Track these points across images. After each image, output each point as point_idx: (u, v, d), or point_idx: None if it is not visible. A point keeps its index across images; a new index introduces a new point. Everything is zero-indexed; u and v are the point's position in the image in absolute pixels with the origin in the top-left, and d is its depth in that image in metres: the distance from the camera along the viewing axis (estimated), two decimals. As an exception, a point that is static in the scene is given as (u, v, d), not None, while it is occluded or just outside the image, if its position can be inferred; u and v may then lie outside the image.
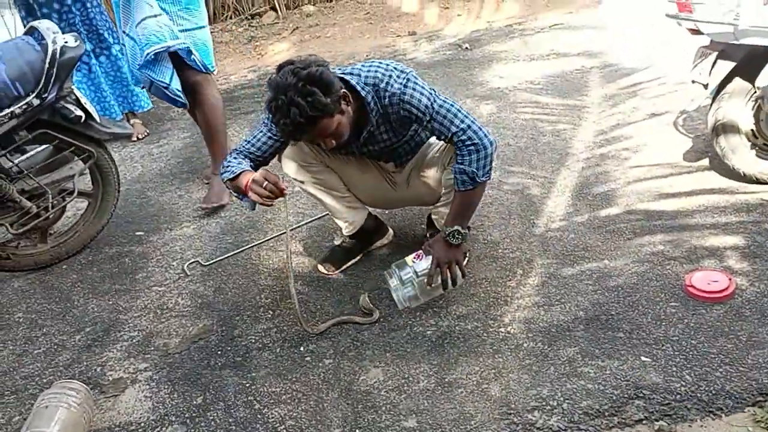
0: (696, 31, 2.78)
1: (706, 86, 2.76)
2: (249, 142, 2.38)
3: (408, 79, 2.22)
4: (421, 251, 2.34)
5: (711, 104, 2.82)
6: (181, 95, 3.30)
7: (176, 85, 3.27)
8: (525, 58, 5.04)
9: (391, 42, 6.25)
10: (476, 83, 4.66)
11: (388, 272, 2.35)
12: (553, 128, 3.70)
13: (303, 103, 2.00)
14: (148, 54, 3.10)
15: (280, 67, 2.08)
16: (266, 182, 2.10)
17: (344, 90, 2.13)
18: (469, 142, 2.18)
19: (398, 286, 2.30)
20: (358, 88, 2.21)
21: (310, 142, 2.32)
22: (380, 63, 2.28)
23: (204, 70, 3.35)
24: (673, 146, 3.24)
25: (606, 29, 5.41)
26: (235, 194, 2.36)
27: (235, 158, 2.34)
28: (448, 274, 2.26)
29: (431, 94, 2.22)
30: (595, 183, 3.05)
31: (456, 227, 2.25)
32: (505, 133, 3.70)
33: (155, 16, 3.11)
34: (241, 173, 2.25)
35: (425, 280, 2.26)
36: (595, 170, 3.17)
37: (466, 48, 5.56)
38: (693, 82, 2.84)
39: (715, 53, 2.73)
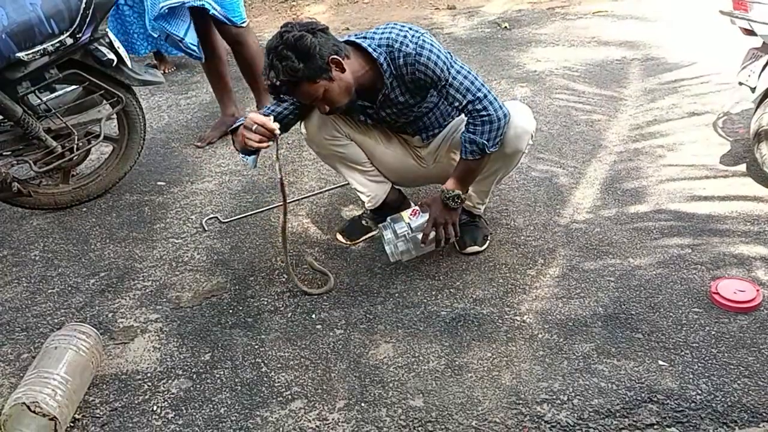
0: (749, 32, 2.69)
1: (753, 89, 2.67)
2: (269, 108, 2.39)
3: (424, 41, 2.16)
4: (417, 208, 2.38)
5: (756, 109, 2.73)
6: (197, 49, 3.36)
7: (191, 38, 3.30)
8: (565, 43, 4.92)
9: (428, 14, 6.13)
10: (512, 64, 4.56)
11: (383, 225, 2.39)
12: (588, 118, 3.61)
13: (279, 67, 2.04)
14: (162, 7, 3.14)
15: (280, 28, 2.11)
16: (255, 125, 2.09)
17: (335, 57, 2.09)
18: (484, 113, 2.14)
19: (392, 239, 2.35)
20: (370, 50, 2.17)
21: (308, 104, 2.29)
22: (395, 24, 2.23)
23: (229, 23, 3.37)
24: (711, 148, 3.15)
25: (651, 21, 5.26)
26: (240, 153, 2.38)
27: None
28: (443, 234, 2.32)
29: (447, 58, 2.17)
30: (626, 178, 2.98)
31: (457, 191, 2.27)
32: (538, 119, 3.57)
33: None
34: (238, 126, 2.25)
35: (419, 237, 2.32)
36: (627, 165, 3.09)
37: (505, 27, 5.44)
38: (740, 83, 2.75)
39: (767, 56, 2.63)
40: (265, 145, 2.12)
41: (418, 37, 2.17)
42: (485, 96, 2.15)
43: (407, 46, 2.15)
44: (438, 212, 2.31)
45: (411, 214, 2.37)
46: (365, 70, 2.20)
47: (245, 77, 3.76)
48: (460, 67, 2.18)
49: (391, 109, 2.35)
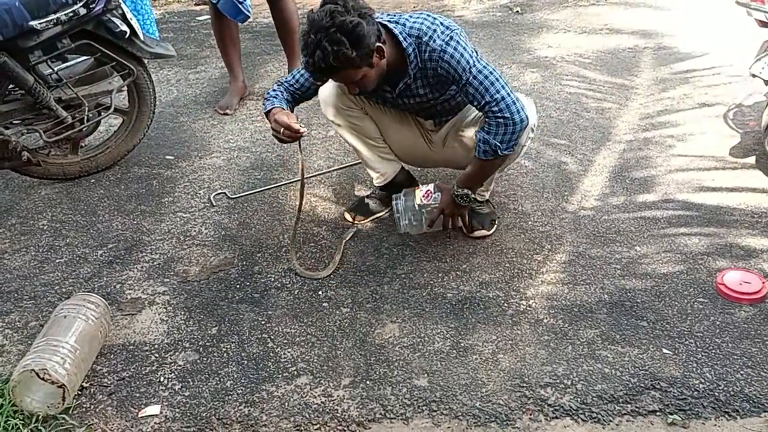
0: (765, 24, 2.67)
1: (767, 82, 2.66)
2: (292, 75, 2.41)
3: (451, 37, 2.14)
4: (431, 188, 2.41)
5: (769, 101, 2.72)
6: (250, 8, 3.52)
7: None
8: (577, 29, 4.89)
9: (440, -4, 6.08)
10: (523, 50, 4.53)
11: (395, 196, 2.45)
12: (598, 105, 3.60)
13: (329, 49, 1.98)
14: None
15: (325, 2, 2.03)
16: (282, 129, 2.19)
17: (380, 44, 2.08)
18: (499, 115, 2.11)
19: (402, 213, 2.40)
20: (401, 38, 2.16)
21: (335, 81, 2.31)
22: (428, 16, 2.21)
23: None
24: (721, 140, 3.14)
25: (665, 9, 5.21)
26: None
27: (274, 91, 2.39)
28: (449, 224, 2.39)
29: (472, 56, 2.15)
30: (635, 167, 2.98)
31: (466, 191, 2.29)
32: (548, 105, 3.61)
33: None
34: (270, 110, 2.30)
35: (426, 217, 2.39)
36: (637, 154, 3.09)
37: (518, 12, 5.41)
38: (753, 75, 2.74)
39: (783, 49, 2.62)
40: (290, 142, 2.26)
41: (448, 34, 2.16)
42: (503, 98, 2.11)
43: (435, 41, 2.14)
44: (446, 204, 2.35)
45: (424, 195, 2.40)
46: (393, 56, 2.18)
47: (280, 34, 3.88)
48: (483, 66, 2.15)
49: (410, 99, 2.35)
